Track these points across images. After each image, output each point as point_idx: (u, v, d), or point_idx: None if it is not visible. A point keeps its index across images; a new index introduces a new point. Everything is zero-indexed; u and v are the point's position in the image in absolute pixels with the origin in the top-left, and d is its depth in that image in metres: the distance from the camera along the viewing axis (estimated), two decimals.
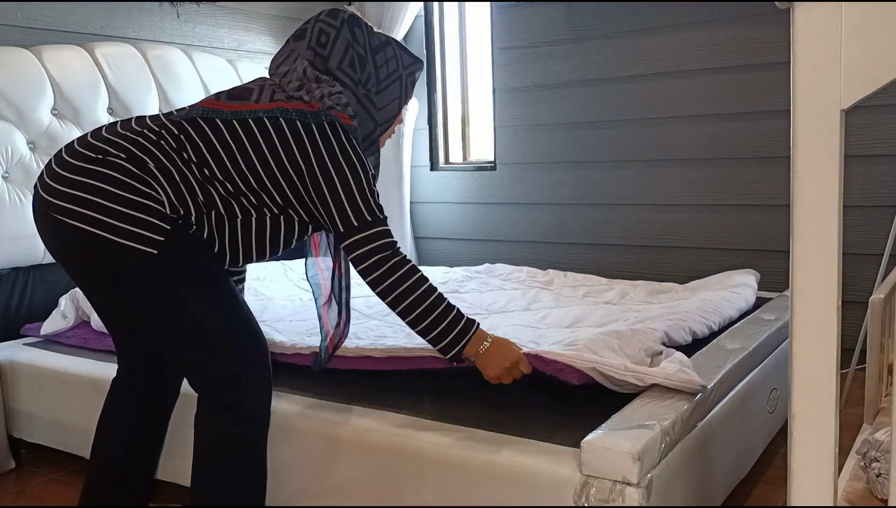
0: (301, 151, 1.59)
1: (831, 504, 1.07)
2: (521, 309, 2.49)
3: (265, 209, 1.65)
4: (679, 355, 1.80)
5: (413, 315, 1.58)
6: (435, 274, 3.10)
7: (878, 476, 1.45)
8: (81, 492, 1.87)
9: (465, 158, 4.06)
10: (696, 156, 3.29)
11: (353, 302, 2.28)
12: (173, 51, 3.07)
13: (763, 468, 2.18)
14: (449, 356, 1.61)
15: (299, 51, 1.71)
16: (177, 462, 2.00)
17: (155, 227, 1.54)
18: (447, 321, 1.59)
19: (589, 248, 3.59)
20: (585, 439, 1.43)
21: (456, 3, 3.96)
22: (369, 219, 1.58)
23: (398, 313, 1.59)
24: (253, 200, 1.63)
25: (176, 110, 1.69)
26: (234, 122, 1.61)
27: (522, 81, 3.66)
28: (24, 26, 2.72)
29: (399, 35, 3.85)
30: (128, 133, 1.62)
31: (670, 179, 3.35)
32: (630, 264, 3.48)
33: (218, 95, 1.68)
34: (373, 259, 1.57)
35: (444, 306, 1.59)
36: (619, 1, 3.35)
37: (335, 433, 1.73)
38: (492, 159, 3.84)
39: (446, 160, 4.05)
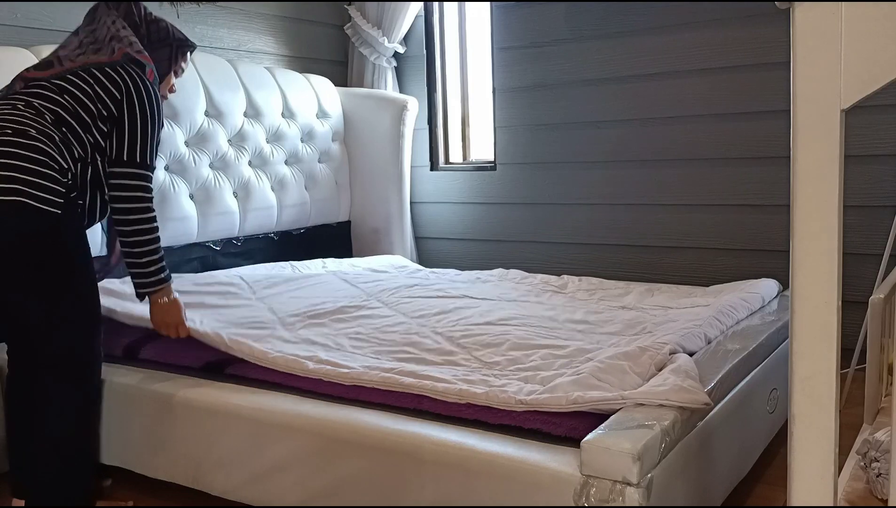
0: (114, 91, 1.93)
1: (831, 504, 1.07)
2: (533, 302, 2.48)
3: (98, 155, 1.93)
4: (683, 359, 1.79)
5: (136, 249, 1.97)
6: (446, 276, 3.09)
7: (878, 476, 1.45)
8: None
9: (465, 158, 4.06)
10: (696, 156, 3.29)
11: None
12: None
13: (763, 468, 2.18)
14: (139, 290, 2.02)
15: (104, 14, 2.06)
16: (174, 461, 2.00)
17: (57, 191, 1.80)
18: (156, 267, 2.00)
19: (589, 248, 3.59)
20: (585, 439, 1.43)
21: (456, 3, 3.96)
22: (147, 162, 1.97)
23: (124, 241, 1.97)
24: (93, 144, 1.91)
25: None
26: (59, 81, 1.92)
27: (522, 81, 3.66)
28: (24, 26, 2.72)
29: (399, 35, 3.85)
30: None
31: (670, 180, 3.35)
32: (630, 265, 3.48)
33: (27, 70, 1.98)
34: (135, 193, 1.95)
35: (159, 256, 2.01)
36: (619, 1, 3.35)
37: (334, 432, 1.73)
38: (492, 159, 3.84)
39: (446, 160, 4.05)
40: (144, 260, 1.98)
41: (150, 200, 1.98)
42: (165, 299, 2.04)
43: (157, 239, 2.00)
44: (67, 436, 1.91)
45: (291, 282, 2.53)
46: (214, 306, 2.37)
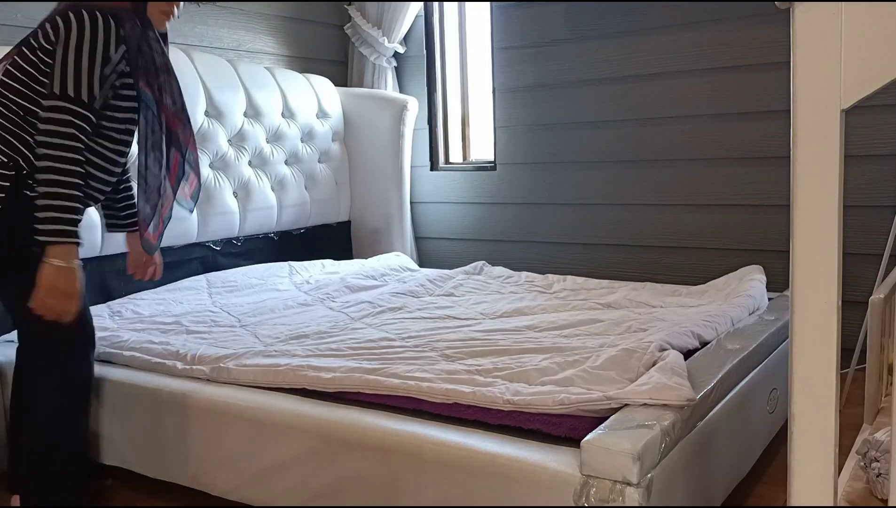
0: (51, 35, 1.75)
1: (831, 504, 1.07)
2: (517, 313, 2.47)
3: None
4: (673, 356, 1.78)
5: (42, 188, 1.69)
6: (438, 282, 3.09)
7: (878, 476, 1.45)
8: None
9: (465, 158, 4.06)
10: (696, 156, 3.29)
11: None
12: (173, 51, 3.06)
13: (763, 468, 2.18)
14: (39, 236, 1.70)
15: None
16: (174, 461, 2.00)
17: None
18: (55, 214, 1.70)
19: (589, 248, 3.59)
20: (585, 439, 1.43)
21: (456, 3, 3.96)
22: (72, 95, 1.72)
23: (39, 171, 1.70)
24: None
25: None
26: (16, 56, 1.80)
27: (522, 81, 3.66)
28: (25, 26, 2.72)
29: (399, 35, 3.85)
30: None
31: (670, 180, 3.35)
32: (630, 265, 3.48)
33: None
34: (54, 127, 1.70)
35: (63, 204, 1.70)
36: (619, 1, 3.35)
37: (334, 432, 1.73)
38: (492, 159, 3.84)
39: (446, 160, 4.05)
40: (44, 202, 1.70)
41: (72, 136, 1.72)
42: (62, 261, 1.72)
43: (69, 184, 1.71)
44: (53, 430, 1.90)
45: (276, 310, 2.58)
46: (198, 332, 2.36)
